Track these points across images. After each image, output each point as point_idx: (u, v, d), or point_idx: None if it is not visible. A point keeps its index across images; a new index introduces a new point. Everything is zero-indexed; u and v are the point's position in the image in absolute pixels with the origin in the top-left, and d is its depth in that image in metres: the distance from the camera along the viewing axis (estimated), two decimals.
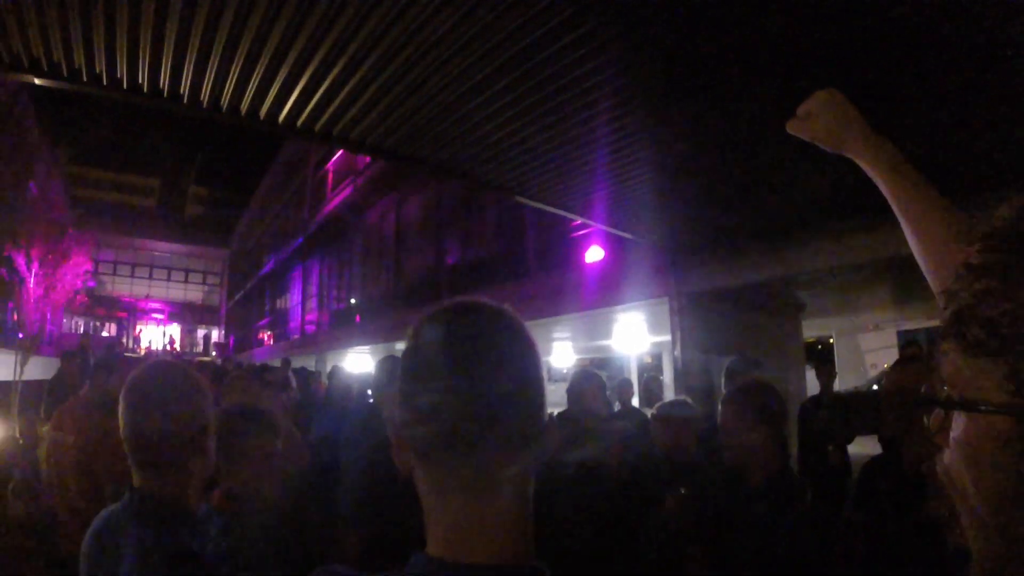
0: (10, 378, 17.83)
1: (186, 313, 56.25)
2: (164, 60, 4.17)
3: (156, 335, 53.75)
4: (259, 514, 2.45)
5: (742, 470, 2.90)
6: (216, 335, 56.99)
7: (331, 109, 4.85)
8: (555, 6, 3.68)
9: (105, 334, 47.40)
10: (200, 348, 55.13)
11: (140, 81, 4.43)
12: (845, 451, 7.15)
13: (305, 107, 4.82)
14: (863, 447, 7.33)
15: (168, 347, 51.60)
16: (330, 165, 30.42)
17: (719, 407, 3.02)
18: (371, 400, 4.53)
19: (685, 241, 9.01)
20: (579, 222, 8.50)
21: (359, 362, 23.73)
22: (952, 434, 0.74)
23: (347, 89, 4.57)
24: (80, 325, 41.22)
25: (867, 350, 21.63)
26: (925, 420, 0.80)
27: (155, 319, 54.44)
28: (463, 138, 5.32)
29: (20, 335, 19.71)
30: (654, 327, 14.80)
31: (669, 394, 9.37)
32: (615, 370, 21.79)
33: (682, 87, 4.66)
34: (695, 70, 4.43)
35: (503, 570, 0.89)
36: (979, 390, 0.69)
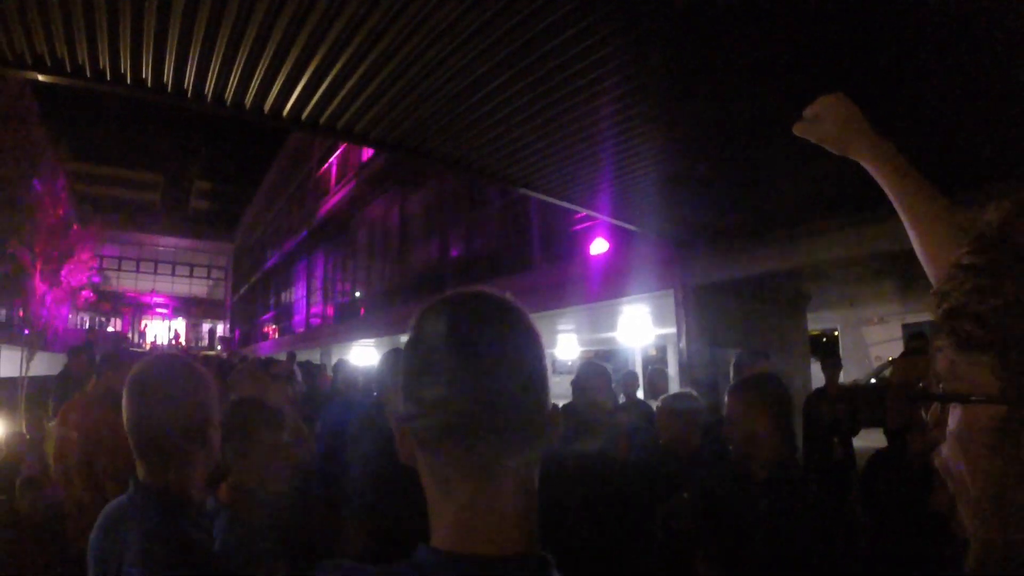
0: (17, 374, 17.90)
1: (191, 307, 56.36)
2: (168, 55, 4.17)
3: (161, 330, 53.89)
4: (265, 507, 2.45)
5: (747, 462, 2.89)
6: (221, 329, 57.09)
7: (335, 102, 4.85)
8: None
9: (111, 329, 47.49)
10: (205, 342, 55.24)
11: (144, 76, 4.43)
12: (850, 444, 7.15)
13: (309, 100, 4.81)
14: (865, 440, 7.34)
15: (173, 341, 51.73)
16: (334, 159, 30.43)
17: (725, 399, 3.02)
18: (375, 393, 4.53)
19: (691, 233, 9.00)
20: (584, 214, 8.49)
21: (364, 355, 23.75)
22: (948, 427, 0.77)
23: (351, 82, 4.57)
24: (86, 321, 41.33)
25: (872, 343, 21.60)
26: (924, 414, 0.84)
27: (160, 314, 54.56)
28: (468, 130, 5.32)
29: (26, 331, 19.75)
30: (659, 319, 14.78)
31: (674, 386, 9.35)
32: (620, 362, 21.74)
33: (686, 80, 4.65)
34: (699, 64, 4.43)
35: (508, 561, 0.89)
36: (972, 383, 0.72)
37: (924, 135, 5.22)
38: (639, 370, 15.10)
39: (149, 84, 4.51)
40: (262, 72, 4.39)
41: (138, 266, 54.76)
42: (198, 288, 58.20)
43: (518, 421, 0.92)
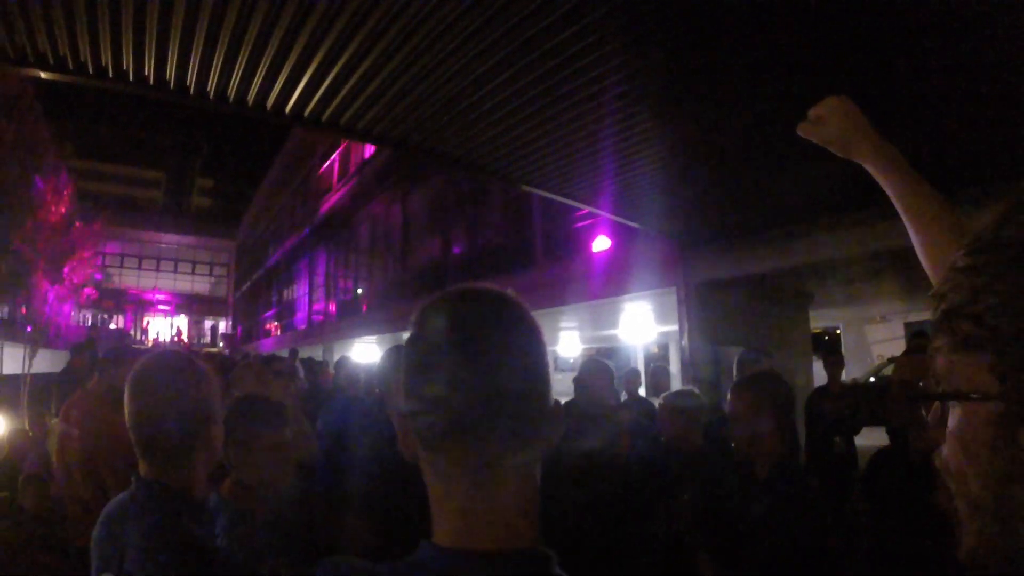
0: (19, 371, 17.91)
1: (193, 304, 56.42)
2: (170, 51, 4.17)
3: (164, 327, 53.95)
4: (268, 504, 2.46)
5: (749, 459, 2.90)
6: (223, 326, 57.14)
7: (337, 99, 4.85)
8: None
9: (113, 326, 47.56)
10: (207, 339, 55.29)
11: (146, 73, 4.43)
12: (852, 442, 7.15)
13: (312, 97, 4.81)
14: (867, 439, 7.33)
15: (175, 338, 51.77)
16: (336, 156, 30.43)
17: (728, 396, 3.02)
18: (377, 390, 4.53)
19: (693, 231, 8.99)
20: (586, 211, 8.49)
21: (366, 352, 23.78)
22: (948, 427, 0.79)
23: (353, 79, 4.56)
24: (88, 318, 41.38)
25: (874, 341, 21.60)
26: (925, 413, 0.86)
27: (163, 311, 54.61)
28: (469, 127, 5.32)
29: (29, 328, 19.79)
30: (661, 317, 14.78)
31: (676, 384, 9.36)
32: (622, 360, 21.75)
33: (687, 78, 4.65)
34: (700, 62, 4.42)
35: (509, 556, 0.89)
36: (971, 382, 0.73)
37: (924, 134, 5.21)
38: (641, 367, 15.10)
39: (151, 81, 4.51)
40: (264, 68, 4.39)
41: (140, 263, 54.82)
42: (200, 285, 58.23)
43: (520, 418, 0.91)
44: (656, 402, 5.06)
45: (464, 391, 0.90)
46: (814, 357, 12.66)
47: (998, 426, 0.70)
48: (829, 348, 16.60)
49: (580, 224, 13.66)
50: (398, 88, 4.69)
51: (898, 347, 18.11)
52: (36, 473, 5.72)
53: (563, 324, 18.09)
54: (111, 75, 4.42)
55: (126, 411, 1.82)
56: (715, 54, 4.33)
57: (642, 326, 17.60)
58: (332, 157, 30.96)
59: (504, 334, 0.95)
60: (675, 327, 10.51)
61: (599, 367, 4.27)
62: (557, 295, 13.07)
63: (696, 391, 4.57)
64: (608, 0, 3.72)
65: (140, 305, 52.54)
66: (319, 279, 34.10)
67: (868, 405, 7.89)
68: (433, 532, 0.94)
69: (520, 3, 3.73)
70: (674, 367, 14.27)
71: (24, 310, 21.82)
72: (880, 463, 3.29)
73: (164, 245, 55.94)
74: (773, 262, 8.62)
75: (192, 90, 4.65)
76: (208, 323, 58.09)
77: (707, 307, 9.69)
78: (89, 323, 40.84)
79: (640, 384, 7.78)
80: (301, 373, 8.30)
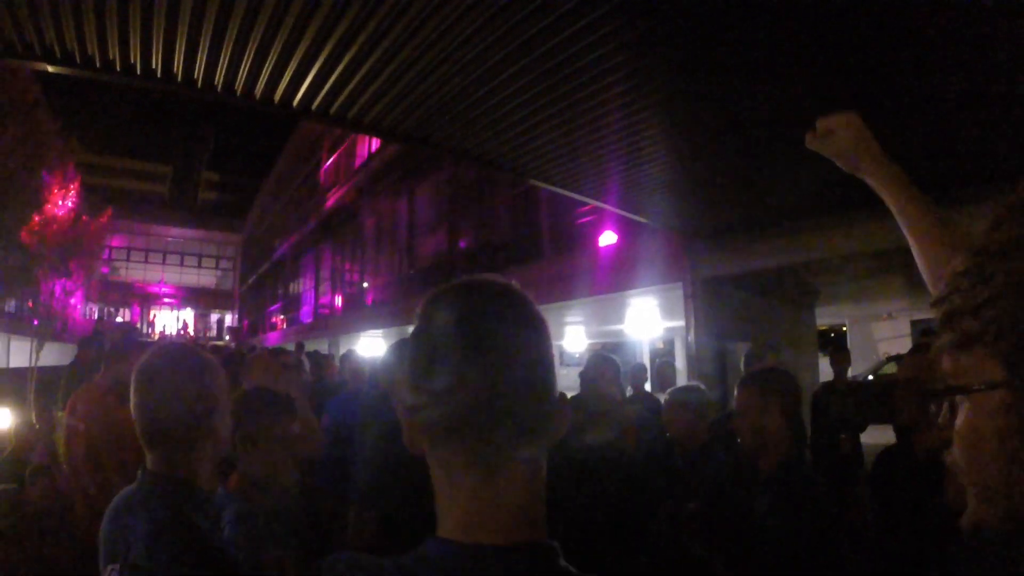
0: (26, 364, 17.98)
1: (199, 298, 56.53)
2: (178, 45, 4.17)
3: (170, 320, 54.08)
4: (274, 498, 2.46)
5: (755, 455, 2.89)
6: (229, 319, 57.24)
7: (345, 92, 4.85)
8: None
9: (119, 320, 47.65)
10: (213, 332, 55.41)
11: (154, 66, 4.43)
12: (858, 439, 7.12)
13: (320, 90, 4.81)
14: (872, 437, 7.31)
15: (181, 332, 51.90)
16: (343, 149, 30.43)
17: (735, 391, 3.02)
18: (381, 384, 4.53)
19: (700, 226, 8.99)
20: (593, 206, 8.49)
21: (372, 346, 23.80)
22: (956, 425, 0.81)
23: (361, 73, 4.56)
24: (94, 311, 41.48)
25: (880, 339, 21.56)
26: (933, 409, 0.89)
27: (169, 304, 54.74)
28: (477, 121, 5.32)
29: (35, 322, 19.85)
30: (667, 312, 14.77)
31: (682, 379, 9.35)
32: (627, 355, 21.75)
33: (694, 74, 4.65)
34: (707, 58, 4.42)
35: (515, 550, 0.89)
36: (976, 376, 0.76)
37: (926, 134, 5.22)
38: (647, 362, 15.11)
39: (159, 74, 4.52)
40: (272, 62, 4.39)
41: (147, 257, 54.89)
42: (206, 279, 58.32)
43: (525, 412, 0.91)
44: (662, 397, 5.05)
45: (469, 384, 0.89)
46: (820, 354, 12.64)
47: (1006, 414, 0.73)
48: (836, 345, 16.62)
49: (586, 219, 13.65)
50: (406, 82, 4.69)
51: (904, 344, 18.07)
52: (43, 465, 5.73)
53: (569, 319, 18.11)
54: (118, 69, 4.42)
55: (131, 403, 1.83)
56: (721, 50, 4.32)
57: (648, 321, 17.58)
58: (339, 150, 30.96)
59: (509, 327, 0.94)
60: (681, 322, 10.51)
61: (605, 362, 4.27)
62: (563, 290, 13.07)
63: (702, 387, 4.56)
64: None
65: (146, 298, 52.65)
66: (325, 273, 34.15)
67: (874, 403, 7.86)
68: (439, 526, 0.93)
69: None
70: (679, 362, 14.25)
71: (31, 303, 21.87)
72: (886, 461, 3.28)
73: (170, 239, 56.02)
74: (780, 258, 8.62)
75: (200, 83, 4.65)
76: (214, 316, 58.19)
77: (713, 303, 9.69)
78: (96, 316, 40.89)
79: (646, 379, 7.76)
80: (307, 366, 8.31)
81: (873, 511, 3.34)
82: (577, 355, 25.77)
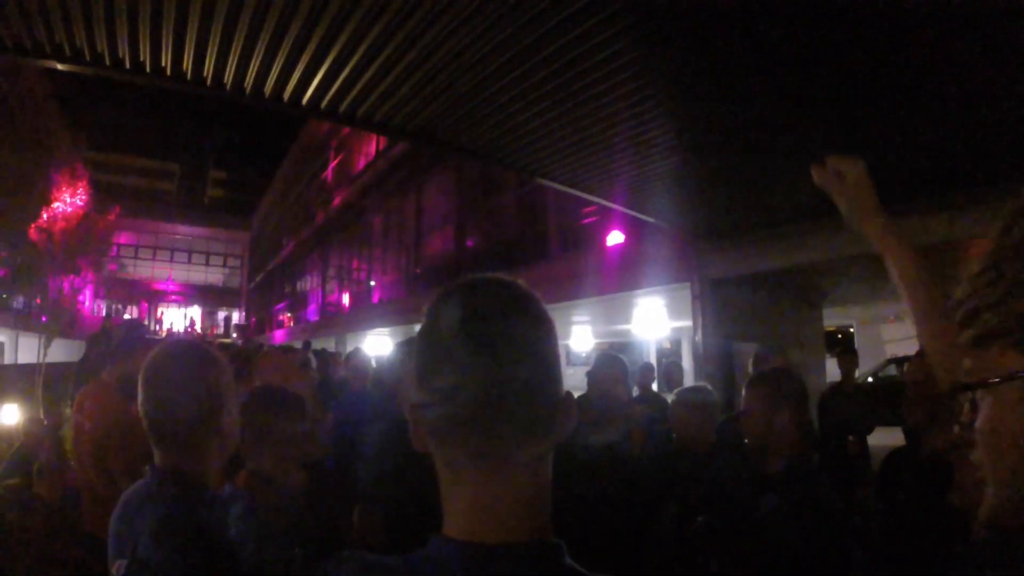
0: (34, 360, 18.04)
1: (207, 295, 56.60)
2: (187, 43, 4.18)
3: (177, 317, 54.20)
4: (282, 496, 2.46)
5: (762, 455, 2.89)
6: (237, 317, 57.33)
7: (354, 91, 4.86)
8: None
9: (127, 316, 47.78)
10: (220, 330, 55.50)
11: (163, 64, 4.44)
12: (865, 441, 7.10)
13: (329, 89, 4.82)
14: (878, 439, 7.29)
15: (189, 329, 52.00)
16: (350, 147, 30.44)
17: (742, 392, 3.01)
18: (386, 382, 4.53)
19: (708, 227, 8.98)
20: (600, 206, 8.49)
21: (378, 344, 23.83)
22: (978, 423, 0.82)
23: (370, 71, 4.57)
24: (102, 308, 41.60)
25: (888, 340, 21.47)
26: (956, 407, 0.90)
27: (176, 301, 54.85)
28: (485, 120, 5.32)
29: (44, 318, 19.91)
30: (674, 312, 14.75)
31: (689, 380, 9.34)
32: (634, 355, 21.72)
33: (702, 74, 4.64)
34: (715, 57, 4.41)
35: (519, 548, 0.89)
36: (997, 367, 0.78)
37: (933, 135, 5.22)
38: (653, 363, 15.09)
39: (168, 72, 4.53)
40: (282, 60, 4.40)
41: (154, 254, 54.99)
42: (214, 276, 58.41)
43: (530, 410, 0.91)
44: (669, 398, 5.04)
45: (474, 383, 0.89)
46: (827, 355, 12.61)
47: None
48: (844, 346, 16.56)
49: (594, 219, 13.64)
50: (415, 81, 4.70)
51: (912, 346, 17.97)
52: (51, 461, 5.75)
53: (576, 318, 18.09)
54: (128, 67, 4.43)
55: (139, 399, 1.83)
56: (728, 51, 4.32)
57: (655, 321, 17.56)
58: (346, 149, 30.98)
59: (515, 325, 0.94)
60: (688, 323, 10.49)
61: (612, 362, 4.26)
62: (571, 289, 13.05)
63: (709, 387, 4.55)
64: None
65: (154, 296, 52.77)
66: (332, 271, 34.19)
67: (882, 405, 7.84)
68: (444, 524, 0.94)
69: None
70: (686, 363, 14.26)
71: (39, 300, 21.94)
72: (894, 463, 3.27)
73: (178, 236, 56.11)
74: (788, 259, 8.60)
75: (209, 81, 4.66)
76: (222, 314, 58.28)
77: (721, 303, 9.68)
78: (104, 313, 41.00)
79: (654, 379, 7.75)
80: (314, 364, 8.31)
81: (880, 513, 3.33)
82: (584, 354, 25.74)
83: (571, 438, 0.98)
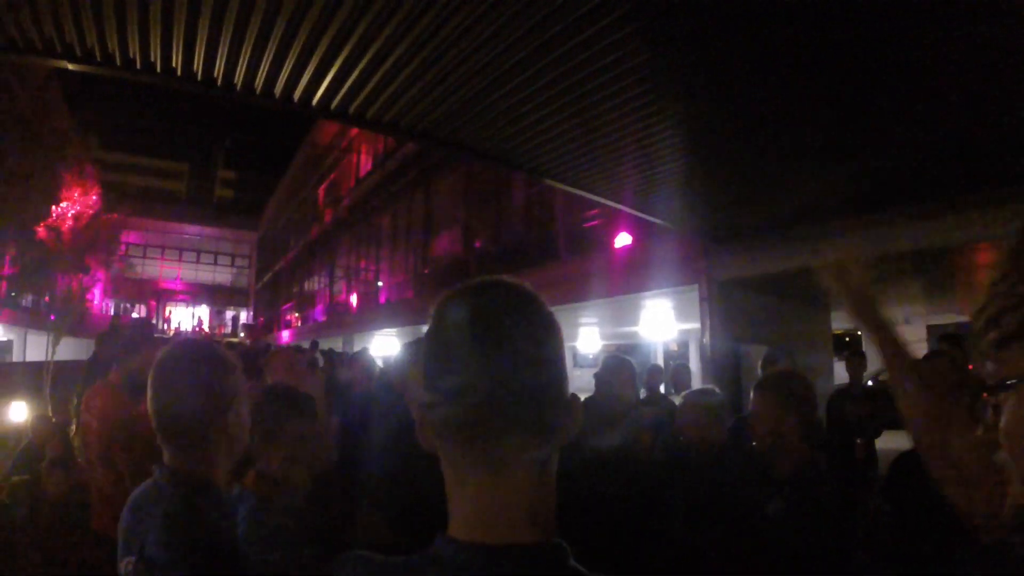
0: (43, 358, 18.11)
1: (215, 295, 56.72)
2: (198, 43, 4.19)
3: (185, 316, 54.34)
4: (290, 496, 2.46)
5: (770, 458, 2.88)
6: (244, 316, 57.44)
7: (365, 92, 4.86)
8: None
9: (135, 315, 47.93)
10: (228, 329, 55.61)
11: (173, 65, 4.46)
12: (872, 444, 7.08)
13: (339, 90, 4.83)
14: (887, 442, 7.27)
15: (197, 328, 52.12)
16: (359, 148, 30.49)
17: (751, 394, 3.01)
18: (393, 383, 4.53)
19: (716, 229, 8.97)
20: (608, 207, 8.49)
21: (386, 344, 23.86)
22: (1003, 422, 0.83)
23: (380, 73, 4.58)
24: (111, 307, 41.74)
25: None
26: (960, 411, 0.93)
27: (184, 300, 55.00)
28: (495, 121, 5.33)
29: (52, 317, 19.98)
30: (682, 314, 14.74)
31: (697, 382, 9.32)
32: (641, 356, 21.70)
33: (712, 76, 4.64)
34: (724, 58, 4.41)
35: (524, 550, 0.89)
36: (1018, 370, 0.80)
37: (943, 136, 5.21)
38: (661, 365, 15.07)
39: (179, 73, 4.54)
40: (292, 61, 4.41)
41: (163, 253, 55.17)
42: (222, 276, 58.51)
43: (535, 411, 0.92)
44: (677, 400, 5.03)
45: (479, 384, 0.90)
46: (835, 358, 12.57)
47: None
48: (853, 349, 16.52)
49: (602, 220, 13.63)
50: (425, 83, 4.70)
51: (921, 350, 17.94)
52: (59, 458, 5.77)
53: (583, 320, 18.08)
54: (139, 67, 4.45)
55: (148, 396, 1.84)
56: (736, 55, 4.32)
57: (663, 323, 17.54)
58: (355, 149, 31.03)
59: (521, 327, 0.94)
60: (695, 325, 10.49)
61: (620, 363, 4.25)
62: (579, 291, 13.04)
63: (717, 390, 4.54)
64: None
65: (162, 295, 52.91)
66: (340, 271, 34.24)
67: (890, 408, 7.81)
68: (449, 525, 0.94)
69: (546, 0, 3.74)
70: (694, 365, 14.23)
71: (47, 298, 22.03)
72: (902, 466, 3.27)
73: (187, 236, 56.22)
74: (796, 261, 8.57)
75: (219, 82, 4.67)
76: (229, 313, 58.37)
77: (729, 305, 9.67)
78: (112, 312, 41.15)
79: (661, 381, 7.75)
80: (320, 363, 8.33)
81: (887, 515, 3.33)
82: (591, 356, 25.74)
83: (579, 440, 0.99)
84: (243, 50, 4.27)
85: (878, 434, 7.18)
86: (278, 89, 4.80)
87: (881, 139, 5.36)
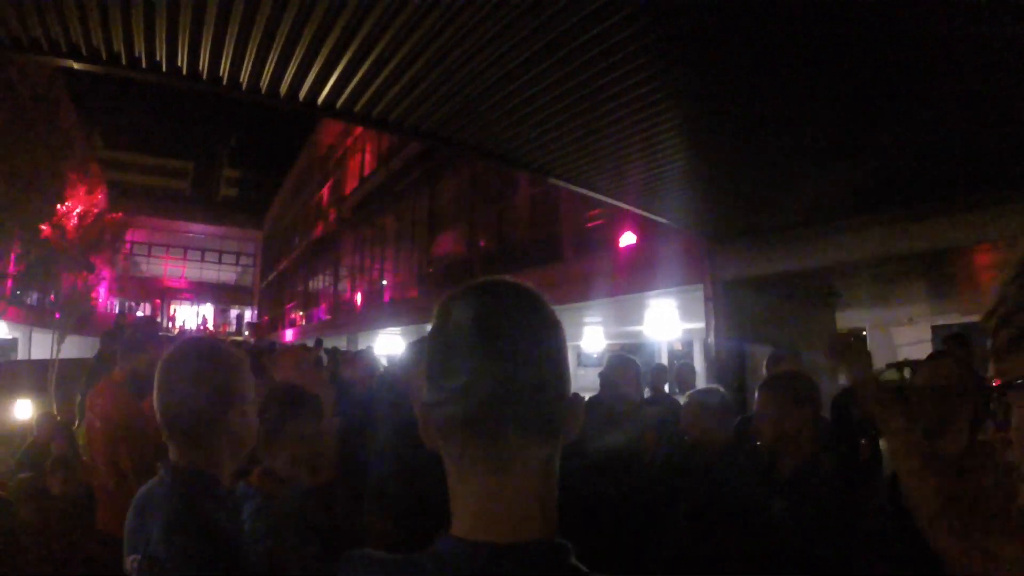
0: (48, 356, 18.14)
1: (219, 293, 56.82)
2: (203, 42, 4.20)
3: (190, 315, 54.43)
4: (295, 494, 2.47)
5: (774, 457, 2.89)
6: (249, 315, 57.52)
7: (370, 91, 4.86)
8: None
9: (140, 314, 48.03)
10: (233, 328, 55.69)
11: (179, 64, 4.46)
12: (877, 445, 7.07)
13: (344, 88, 4.83)
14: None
15: (201, 327, 52.21)
16: (363, 147, 30.52)
17: (756, 394, 3.02)
18: (397, 381, 4.52)
19: (721, 229, 8.96)
20: (613, 207, 8.49)
21: (390, 343, 23.88)
22: (1014, 422, 0.85)
23: (386, 71, 4.58)
24: (115, 305, 41.84)
25: (901, 344, 21.36)
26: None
27: (189, 298, 55.10)
28: (500, 120, 5.33)
29: (57, 315, 20.03)
30: (686, 314, 14.73)
31: (701, 382, 9.32)
32: (645, 356, 21.68)
33: (717, 76, 4.64)
34: (730, 58, 4.40)
35: (525, 547, 0.90)
36: None
37: (944, 136, 5.21)
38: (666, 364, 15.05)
39: (184, 72, 4.54)
40: (297, 60, 4.41)
41: (167, 252, 55.27)
42: (227, 274, 58.59)
43: (537, 411, 0.93)
44: (681, 400, 5.03)
45: (481, 383, 0.91)
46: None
47: None
48: None
49: (607, 220, 13.63)
50: (430, 81, 4.71)
51: (925, 350, 17.90)
52: (63, 457, 5.79)
53: (588, 319, 18.08)
54: (144, 66, 4.45)
55: (154, 394, 1.85)
56: (744, 52, 4.31)
57: (667, 323, 17.52)
58: (359, 148, 31.06)
59: (523, 327, 0.95)
60: (699, 324, 10.47)
61: (625, 363, 4.25)
62: (583, 290, 13.05)
63: (721, 389, 4.54)
64: None
65: (167, 293, 53.02)
66: (344, 270, 34.26)
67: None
68: (452, 524, 0.95)
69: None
70: (697, 365, 14.21)
71: (53, 296, 22.08)
72: None
73: (191, 234, 56.31)
74: (801, 261, 8.57)
75: (225, 81, 4.67)
76: (234, 312, 58.46)
77: (734, 305, 9.66)
78: (117, 310, 41.24)
79: (666, 380, 7.74)
80: (324, 362, 8.33)
81: (891, 516, 3.32)
82: (595, 355, 25.73)
83: (584, 438, 0.99)
84: (249, 49, 4.27)
85: (882, 434, 7.16)
86: (283, 88, 4.81)
87: (886, 139, 5.35)
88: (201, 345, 1.96)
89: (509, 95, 4.87)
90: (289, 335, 39.28)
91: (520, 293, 0.99)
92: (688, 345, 22.98)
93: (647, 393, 6.99)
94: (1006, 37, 3.90)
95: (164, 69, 4.49)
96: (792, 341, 9.37)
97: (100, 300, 28.56)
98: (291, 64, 4.47)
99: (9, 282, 21.61)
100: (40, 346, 23.44)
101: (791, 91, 4.76)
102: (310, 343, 14.15)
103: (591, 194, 7.25)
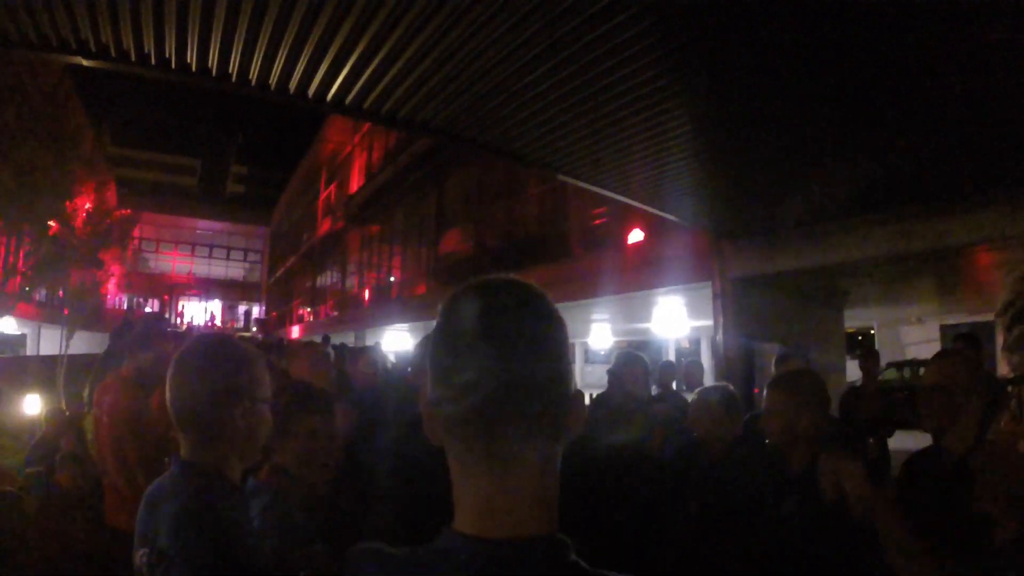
0: (56, 352, 18.23)
1: (227, 289, 56.96)
2: (212, 39, 4.21)
3: (198, 311, 54.57)
4: (304, 490, 2.47)
5: (783, 456, 2.88)
6: (257, 311, 57.64)
7: (379, 88, 4.87)
8: None
9: (148, 310, 48.16)
10: (241, 324, 55.81)
11: (188, 60, 4.47)
12: (885, 444, 7.06)
13: (353, 86, 4.84)
14: (896, 443, 7.24)
15: (209, 323, 52.34)
16: (371, 144, 30.54)
17: (764, 392, 3.01)
18: (405, 378, 4.53)
19: (730, 226, 8.95)
20: (621, 204, 8.49)
21: (398, 339, 23.92)
22: None
23: (395, 69, 4.59)
24: (124, 301, 41.98)
25: (909, 343, 21.34)
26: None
27: (197, 294, 55.25)
28: (509, 117, 5.33)
29: (65, 311, 20.12)
30: (694, 311, 14.72)
31: (709, 379, 9.31)
32: (653, 353, 21.68)
33: (726, 72, 4.63)
34: (739, 55, 4.40)
35: (526, 543, 0.91)
36: None
37: (950, 136, 5.21)
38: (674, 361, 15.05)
39: (194, 68, 4.55)
40: (307, 57, 4.42)
41: (175, 248, 55.45)
42: (234, 270, 58.76)
43: (539, 408, 0.93)
44: (689, 397, 5.03)
45: (484, 380, 0.91)
46: (848, 356, 12.54)
47: None
48: (867, 348, 16.49)
49: (614, 217, 13.61)
50: (439, 79, 4.71)
51: (933, 349, 17.88)
52: (72, 452, 5.80)
53: (596, 316, 18.09)
54: (153, 63, 4.46)
55: (166, 389, 1.86)
56: (752, 50, 4.31)
57: (675, 320, 17.52)
58: (367, 145, 31.08)
59: (526, 324, 0.96)
60: (708, 322, 10.47)
61: (633, 359, 4.26)
62: (591, 287, 13.03)
63: (730, 387, 4.53)
64: None
65: (175, 289, 53.18)
66: (352, 266, 34.31)
67: (903, 407, 7.77)
68: (454, 519, 0.96)
69: None
70: (705, 362, 14.21)
71: (61, 292, 22.17)
72: (914, 466, 3.25)
73: (199, 231, 56.51)
74: (810, 259, 8.56)
75: (234, 78, 4.69)
76: (242, 308, 58.60)
77: (742, 303, 9.65)
78: (125, 306, 41.40)
79: (674, 378, 7.73)
80: (331, 358, 8.32)
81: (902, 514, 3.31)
82: (603, 352, 25.74)
83: (591, 435, 0.99)
84: (258, 46, 4.28)
85: (891, 433, 7.15)
86: (293, 85, 4.82)
87: (894, 138, 5.35)
88: (213, 342, 1.97)
89: (517, 92, 4.88)
90: (296, 331, 39.32)
91: (523, 291, 1.00)
92: (696, 342, 22.99)
93: (655, 390, 6.99)
94: (1010, 37, 3.89)
95: (173, 65, 4.51)
96: (801, 339, 9.38)
97: (109, 296, 28.64)
98: (300, 61, 4.48)
99: (18, 278, 21.73)
100: (49, 342, 23.57)
101: (798, 90, 4.76)
102: (318, 339, 14.18)
103: (599, 191, 7.25)
